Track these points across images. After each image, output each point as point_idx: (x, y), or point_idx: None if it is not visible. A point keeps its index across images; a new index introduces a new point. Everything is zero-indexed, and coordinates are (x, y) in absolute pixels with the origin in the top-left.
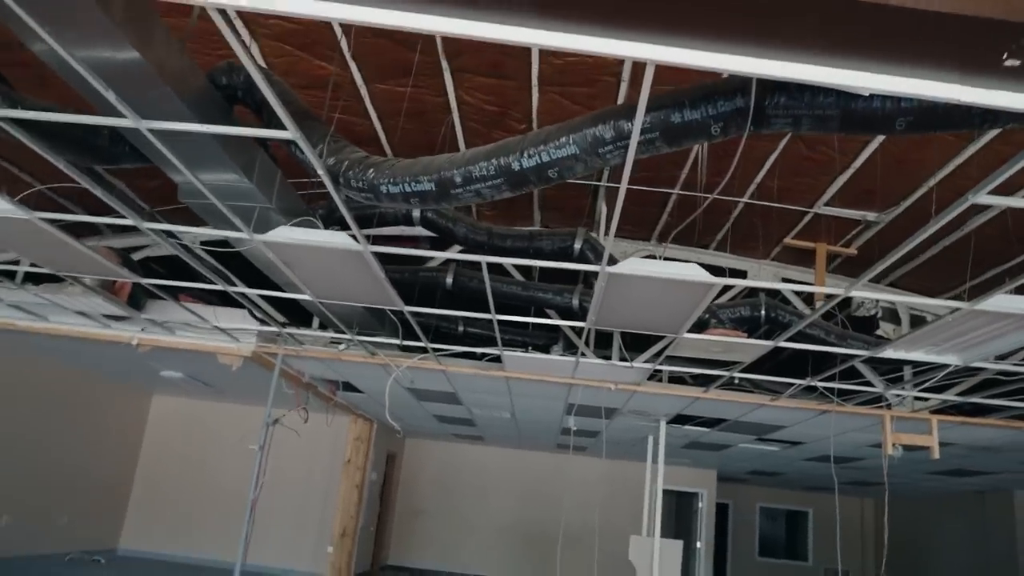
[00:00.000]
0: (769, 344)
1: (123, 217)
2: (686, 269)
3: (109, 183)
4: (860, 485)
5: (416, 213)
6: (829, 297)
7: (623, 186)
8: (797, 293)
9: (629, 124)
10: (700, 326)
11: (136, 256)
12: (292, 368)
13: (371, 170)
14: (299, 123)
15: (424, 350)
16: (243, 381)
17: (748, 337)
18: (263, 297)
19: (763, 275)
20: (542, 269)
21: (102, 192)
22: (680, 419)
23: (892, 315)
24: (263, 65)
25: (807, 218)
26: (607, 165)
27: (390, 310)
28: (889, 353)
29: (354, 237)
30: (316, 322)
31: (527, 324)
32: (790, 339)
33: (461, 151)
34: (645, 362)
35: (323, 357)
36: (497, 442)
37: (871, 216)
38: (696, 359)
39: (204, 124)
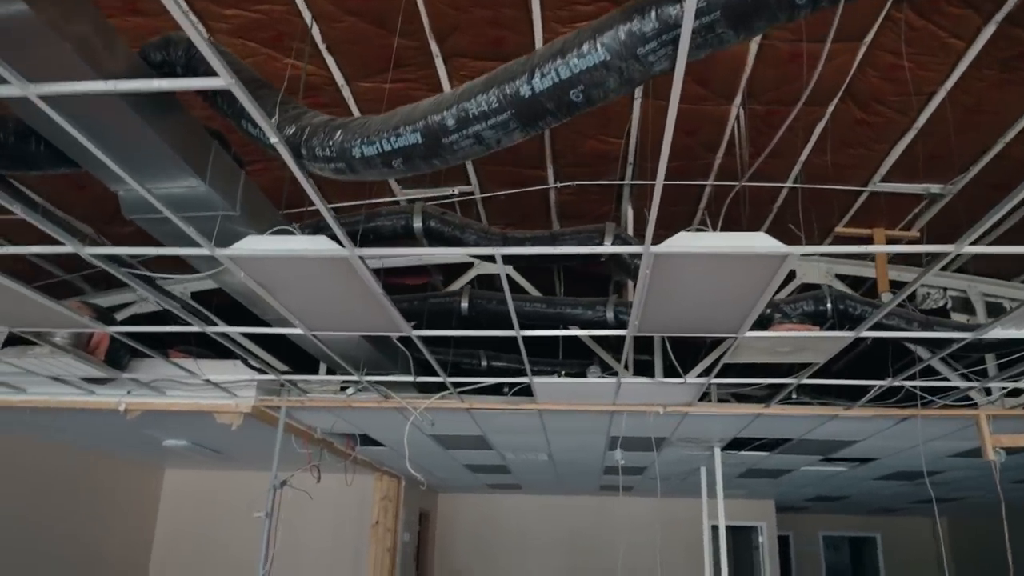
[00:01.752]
0: (849, 335)
1: (60, 243)
2: (750, 239)
3: (32, 201)
4: (930, 503)
5: (417, 224)
6: (897, 288)
7: (671, 118)
8: (854, 287)
9: (676, 7)
10: (762, 324)
11: (122, 315)
12: (301, 423)
13: (338, 132)
14: (251, 92)
15: (443, 387)
16: (252, 444)
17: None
18: (255, 340)
19: (811, 273)
20: (567, 285)
21: (21, 208)
22: (736, 444)
23: (964, 305)
24: None
25: (861, 199)
26: (650, 74)
27: (400, 345)
28: (997, 332)
29: (338, 241)
30: (323, 369)
31: (557, 350)
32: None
33: (449, 89)
34: (699, 376)
35: (331, 406)
36: (536, 489)
37: (935, 188)
38: (756, 367)
39: (119, 99)
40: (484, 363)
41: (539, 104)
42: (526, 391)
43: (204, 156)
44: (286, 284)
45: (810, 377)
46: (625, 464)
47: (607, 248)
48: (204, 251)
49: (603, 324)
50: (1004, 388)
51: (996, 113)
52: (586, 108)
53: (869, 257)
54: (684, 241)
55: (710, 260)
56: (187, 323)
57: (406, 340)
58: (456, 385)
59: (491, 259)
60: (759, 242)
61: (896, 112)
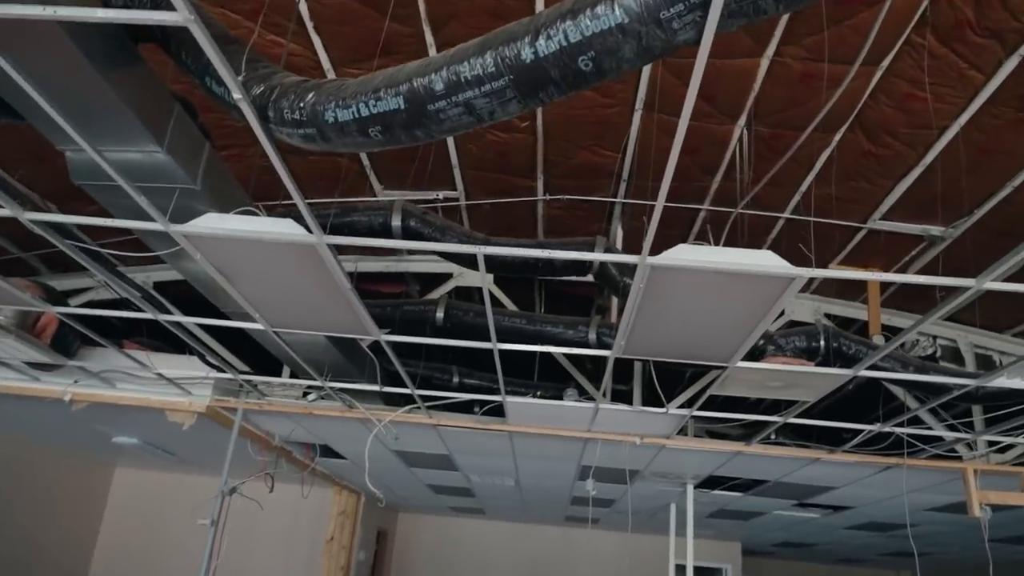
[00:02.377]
0: (847, 373)
1: None
2: (755, 257)
3: None
4: (898, 556)
5: (396, 222)
6: (890, 331)
7: (690, 98)
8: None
9: None
10: (753, 357)
11: (78, 300)
12: (258, 428)
13: (311, 94)
14: (220, 48)
15: (411, 400)
16: (208, 447)
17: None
18: (216, 336)
19: (800, 311)
20: (548, 305)
21: None
22: (710, 482)
23: (953, 355)
24: None
25: (859, 236)
26: (672, 44)
27: (369, 353)
28: (1002, 381)
29: (306, 227)
30: (287, 373)
31: (532, 371)
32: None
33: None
34: (680, 407)
35: (291, 411)
36: (500, 515)
37: (935, 230)
38: (734, 403)
39: (67, 40)
40: (456, 379)
41: (542, 71)
42: (497, 411)
43: (164, 119)
44: (247, 272)
45: (797, 417)
46: (595, 495)
47: (601, 256)
48: (157, 226)
49: (584, 345)
50: (993, 443)
51: (1008, 155)
52: (595, 81)
53: (859, 298)
54: (684, 254)
55: (710, 277)
56: (140, 309)
57: (376, 348)
58: (425, 399)
59: (472, 264)
60: (765, 261)
61: (905, 146)
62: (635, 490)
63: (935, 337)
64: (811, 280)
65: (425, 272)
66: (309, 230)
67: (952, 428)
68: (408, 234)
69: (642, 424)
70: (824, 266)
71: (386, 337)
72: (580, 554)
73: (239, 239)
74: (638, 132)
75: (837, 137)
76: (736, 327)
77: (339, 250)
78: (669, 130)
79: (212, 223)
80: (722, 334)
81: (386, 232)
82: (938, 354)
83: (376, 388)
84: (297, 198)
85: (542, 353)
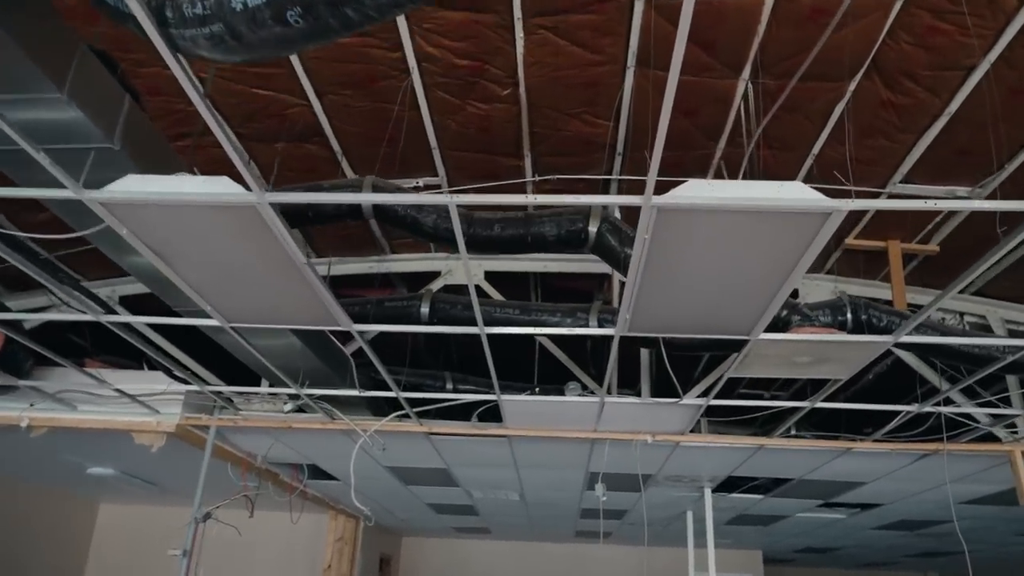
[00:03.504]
0: (887, 340)
1: None
2: (781, 190)
3: None
4: (925, 557)
5: (367, 203)
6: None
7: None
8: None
9: None
10: (776, 330)
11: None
12: (238, 448)
13: None
14: None
15: (399, 407)
16: (189, 474)
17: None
18: (179, 344)
19: (815, 293)
20: (546, 299)
21: None
22: (728, 485)
23: (984, 332)
24: None
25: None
26: None
27: (350, 358)
28: None
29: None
30: (265, 387)
31: (530, 372)
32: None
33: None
34: (699, 396)
35: (268, 426)
36: (506, 534)
37: (962, 191)
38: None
39: None
40: (449, 386)
41: None
42: (495, 417)
43: (64, 58)
44: (185, 250)
45: (825, 401)
46: (606, 504)
47: (598, 199)
48: (68, 193)
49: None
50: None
51: None
52: None
53: (880, 276)
54: (696, 191)
55: (727, 220)
56: (82, 311)
57: (359, 355)
58: (413, 404)
59: (456, 247)
60: (794, 194)
61: (927, 92)
62: (648, 498)
63: (962, 314)
64: (827, 257)
65: (411, 272)
66: (248, 188)
67: (990, 409)
68: (381, 214)
69: (653, 419)
70: (839, 243)
71: (360, 327)
72: (593, 571)
73: (167, 204)
74: (632, 94)
75: (852, 86)
76: (760, 286)
77: (315, 251)
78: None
79: (133, 186)
80: (742, 297)
81: (355, 213)
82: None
83: (357, 393)
84: (227, 145)
85: (540, 354)
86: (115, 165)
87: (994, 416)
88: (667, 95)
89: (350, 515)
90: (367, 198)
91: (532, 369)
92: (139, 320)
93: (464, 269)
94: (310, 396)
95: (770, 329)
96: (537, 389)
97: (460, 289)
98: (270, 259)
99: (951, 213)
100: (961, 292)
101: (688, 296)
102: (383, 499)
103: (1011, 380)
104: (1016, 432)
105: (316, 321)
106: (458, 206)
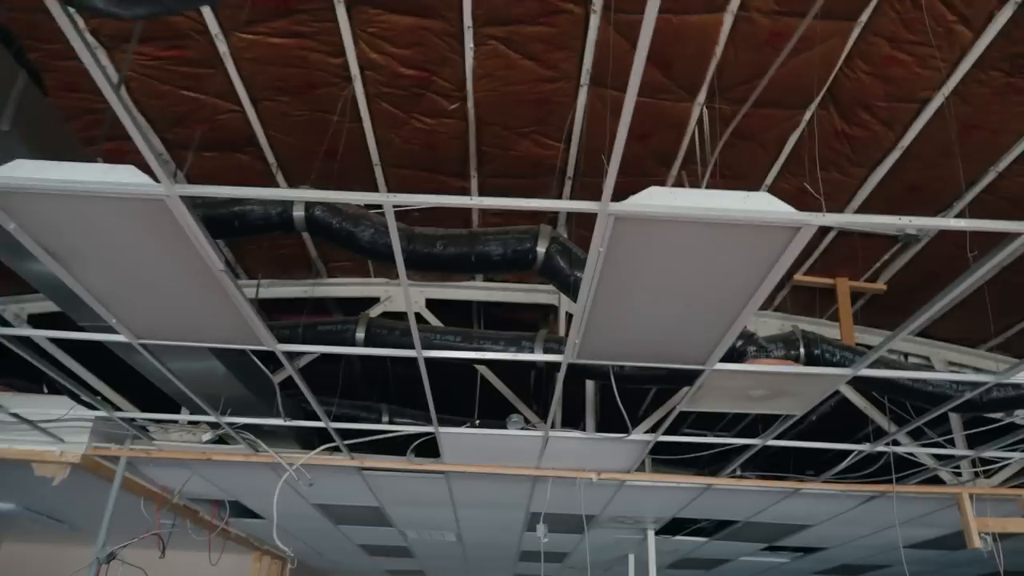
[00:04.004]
0: (846, 372)
1: None
2: (748, 201)
3: None
4: None
5: (299, 212)
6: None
7: None
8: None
9: None
10: (733, 359)
11: None
12: (153, 482)
13: None
14: None
15: (329, 440)
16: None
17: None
18: (91, 368)
19: (764, 330)
20: (489, 322)
21: None
22: (672, 527)
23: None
24: None
25: (829, 238)
26: None
27: (283, 393)
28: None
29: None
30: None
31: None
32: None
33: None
34: (647, 432)
35: (184, 458)
36: None
37: (911, 228)
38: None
39: None
40: (386, 418)
41: None
42: (432, 451)
43: None
44: (84, 250)
45: (776, 438)
46: (547, 546)
47: (548, 203)
48: None
49: (532, 365)
50: (980, 465)
51: (994, 132)
52: None
53: (827, 314)
54: (658, 199)
55: (689, 232)
56: None
57: (288, 385)
58: (344, 436)
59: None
60: (761, 205)
61: (882, 125)
62: (590, 540)
63: (906, 355)
64: (775, 293)
65: (349, 297)
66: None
67: (935, 454)
68: (314, 226)
69: (599, 456)
70: (789, 278)
71: (285, 347)
72: None
73: (63, 195)
74: (585, 114)
75: (808, 115)
76: (720, 308)
77: (246, 271)
78: (620, 109)
79: (22, 172)
80: (701, 321)
81: (286, 224)
82: None
83: (282, 422)
84: (133, 130)
85: (482, 389)
86: (4, 147)
87: (939, 458)
88: (629, 91)
89: (276, 556)
90: (292, 194)
91: (473, 404)
92: (37, 334)
93: (403, 293)
94: (231, 425)
95: (726, 360)
96: (477, 422)
97: (400, 316)
98: (183, 265)
99: (899, 252)
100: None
101: (643, 319)
102: (311, 539)
103: (955, 422)
104: (960, 475)
105: (237, 339)
106: (398, 223)
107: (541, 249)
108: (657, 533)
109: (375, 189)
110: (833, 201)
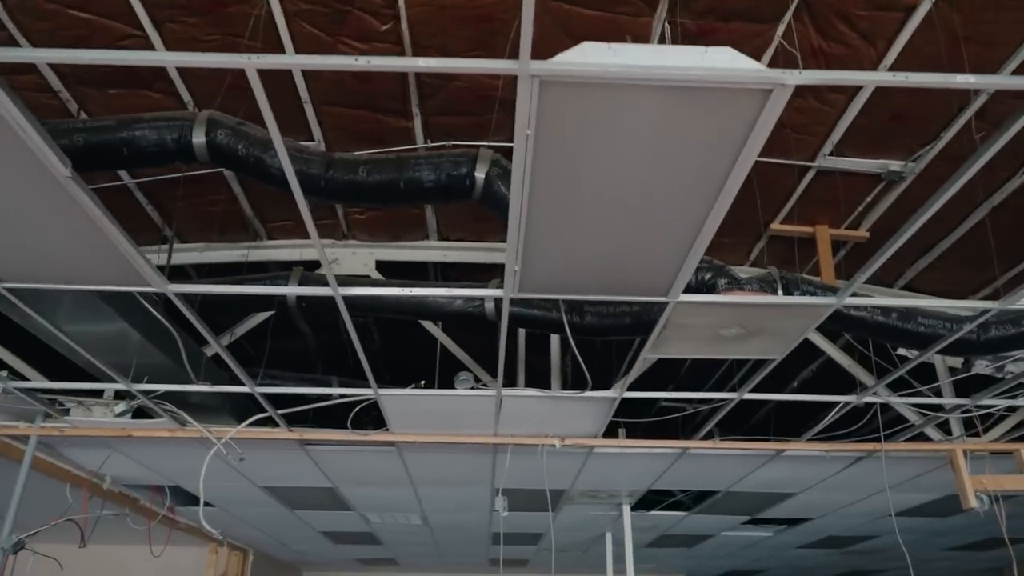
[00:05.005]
0: (831, 302)
1: None
2: (709, 57)
3: None
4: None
5: (199, 138)
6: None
7: None
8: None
9: None
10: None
11: None
12: (80, 467)
13: None
14: None
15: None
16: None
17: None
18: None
19: None
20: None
21: None
22: (648, 502)
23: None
24: None
25: (806, 180)
26: None
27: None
28: None
29: None
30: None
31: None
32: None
33: None
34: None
35: (103, 435)
36: (415, 564)
37: (895, 166)
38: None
39: None
40: (338, 393)
41: None
42: (376, 416)
43: None
44: None
45: (752, 391)
46: (519, 528)
47: (460, 63)
48: None
49: (481, 317)
50: (968, 423)
51: (987, 44)
52: None
53: (806, 269)
54: (591, 56)
55: (636, 100)
56: None
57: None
58: (276, 404)
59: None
60: (722, 61)
61: (862, 39)
62: (563, 518)
63: (891, 310)
64: (751, 246)
65: (291, 261)
66: None
67: (925, 406)
68: (217, 153)
69: (561, 419)
70: (766, 227)
71: (177, 287)
72: None
73: None
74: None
75: (781, 29)
76: (681, 212)
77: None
78: (572, 27)
79: None
80: (660, 234)
81: (185, 152)
82: None
83: (206, 388)
84: None
85: (443, 359)
86: None
87: (925, 413)
88: None
89: (236, 547)
90: (163, 58)
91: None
92: None
93: (304, 218)
94: (148, 395)
95: (693, 294)
96: (423, 383)
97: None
98: (27, 180)
99: (882, 193)
100: (890, 285)
101: (592, 235)
102: (269, 527)
103: (943, 375)
104: (950, 435)
105: (118, 279)
106: (317, 150)
107: (480, 175)
108: (633, 508)
109: (308, 133)
110: (811, 135)
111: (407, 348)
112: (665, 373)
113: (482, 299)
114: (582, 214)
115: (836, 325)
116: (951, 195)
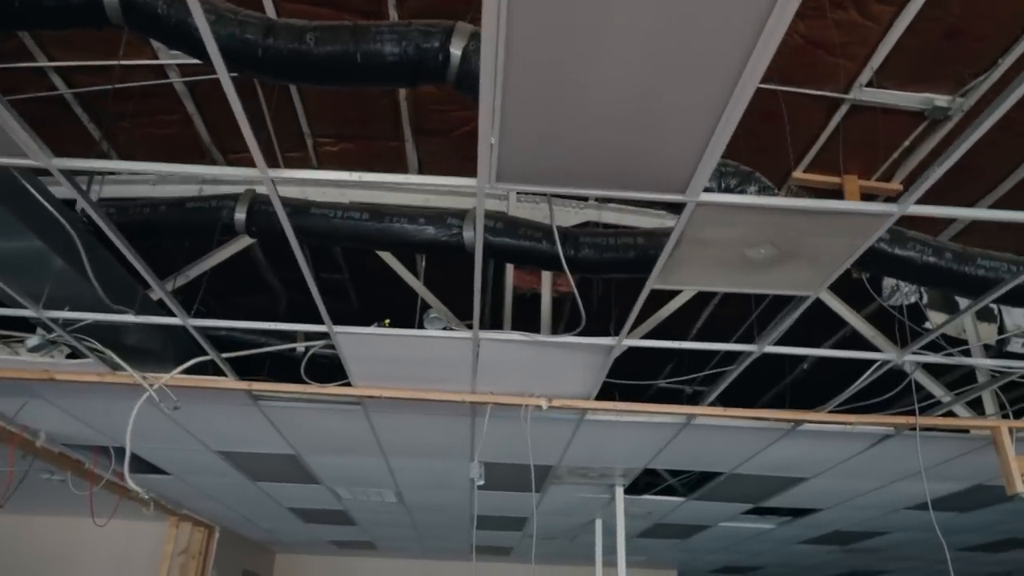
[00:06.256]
0: (891, 209)
1: None
2: None
3: None
4: None
5: None
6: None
7: None
8: None
9: None
10: None
11: None
12: (12, 421)
13: None
14: None
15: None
16: None
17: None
18: None
19: None
20: None
21: None
22: (642, 485)
23: (946, 302)
24: None
25: (838, 116)
26: None
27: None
28: None
29: None
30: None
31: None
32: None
33: None
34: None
35: (18, 378)
36: (394, 550)
37: (940, 101)
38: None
39: None
40: (303, 349)
41: None
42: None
43: None
44: None
45: (774, 346)
46: (501, 508)
47: None
48: None
49: (459, 248)
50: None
51: None
52: None
53: None
54: None
55: None
56: None
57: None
58: (218, 345)
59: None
60: None
61: None
62: (550, 502)
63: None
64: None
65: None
66: None
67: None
68: (132, 14)
69: (550, 374)
70: (786, 177)
71: (62, 163)
72: None
73: None
74: None
75: None
76: (701, 74)
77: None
78: None
79: None
80: (675, 104)
81: (93, 9)
82: (924, 301)
83: (130, 319)
84: None
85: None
86: None
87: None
88: None
89: (200, 523)
90: None
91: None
92: None
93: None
94: (64, 326)
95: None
96: (387, 321)
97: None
98: None
99: (922, 137)
100: None
101: (588, 104)
102: (233, 502)
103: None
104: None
105: None
106: (255, 13)
107: (456, 50)
108: (627, 491)
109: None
110: (845, 56)
111: (387, 308)
112: (673, 332)
113: (460, 225)
114: (573, 76)
115: (878, 268)
116: None
